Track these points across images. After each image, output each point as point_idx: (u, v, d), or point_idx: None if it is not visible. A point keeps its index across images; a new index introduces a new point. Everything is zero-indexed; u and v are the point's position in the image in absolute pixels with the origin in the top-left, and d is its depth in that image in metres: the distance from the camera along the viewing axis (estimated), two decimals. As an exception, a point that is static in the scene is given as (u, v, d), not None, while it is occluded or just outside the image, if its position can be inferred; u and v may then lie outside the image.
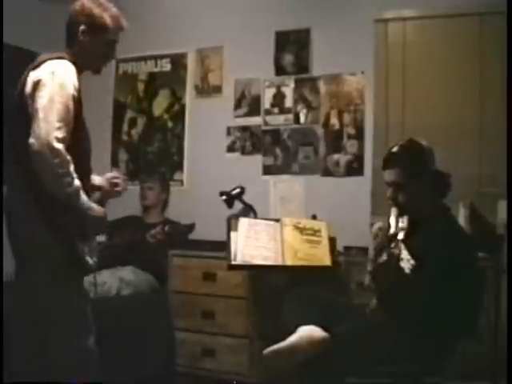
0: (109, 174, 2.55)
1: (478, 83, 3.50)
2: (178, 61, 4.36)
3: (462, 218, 3.09)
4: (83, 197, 2.20)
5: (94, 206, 2.27)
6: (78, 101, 2.20)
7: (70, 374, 2.20)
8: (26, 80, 2.20)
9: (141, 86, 4.50)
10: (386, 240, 2.52)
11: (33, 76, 2.19)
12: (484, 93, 3.48)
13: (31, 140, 2.08)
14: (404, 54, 3.69)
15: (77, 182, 2.16)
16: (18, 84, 2.25)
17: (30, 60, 2.28)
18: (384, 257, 2.46)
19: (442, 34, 3.63)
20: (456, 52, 3.58)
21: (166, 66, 4.41)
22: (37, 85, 2.15)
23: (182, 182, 4.30)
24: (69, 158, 2.12)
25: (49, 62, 2.21)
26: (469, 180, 3.42)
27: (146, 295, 3.47)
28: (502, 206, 3.05)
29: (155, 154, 4.42)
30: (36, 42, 4.20)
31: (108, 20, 2.31)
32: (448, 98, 3.57)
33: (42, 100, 2.12)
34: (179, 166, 4.32)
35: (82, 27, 2.28)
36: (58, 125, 2.09)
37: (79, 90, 2.22)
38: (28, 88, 2.18)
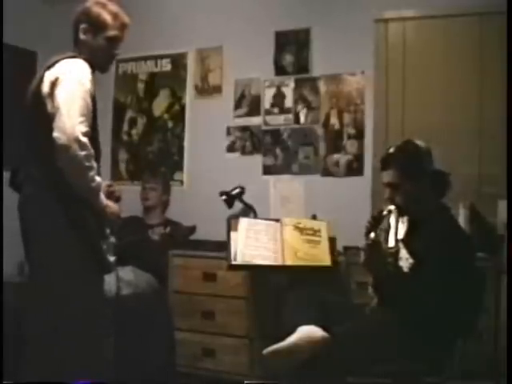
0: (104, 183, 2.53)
1: (477, 83, 3.50)
2: (178, 61, 4.36)
3: (462, 218, 3.09)
4: (101, 193, 2.22)
5: (110, 203, 2.30)
6: (93, 98, 2.24)
7: (86, 374, 2.20)
8: (41, 80, 2.23)
9: (141, 86, 4.50)
10: (386, 240, 2.52)
11: (49, 75, 2.22)
12: (484, 93, 3.48)
13: (56, 134, 2.10)
14: (404, 53, 3.69)
15: (99, 178, 2.19)
16: (29, 86, 2.28)
17: (30, 60, 2.29)
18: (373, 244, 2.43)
19: (442, 34, 3.63)
20: (456, 52, 3.58)
21: (166, 66, 4.41)
22: (55, 83, 2.18)
23: (181, 182, 4.30)
24: (93, 151, 2.15)
25: (64, 61, 2.25)
26: (469, 180, 3.42)
27: (146, 295, 3.47)
28: (502, 206, 3.05)
29: (155, 154, 4.42)
30: (36, 42, 4.21)
31: (107, 17, 2.34)
32: (448, 98, 3.57)
33: (63, 96, 2.14)
34: (179, 166, 4.32)
35: (83, 26, 2.33)
36: (80, 119, 2.13)
37: (94, 88, 2.25)
38: (45, 87, 2.20)
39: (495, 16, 3.40)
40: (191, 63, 4.32)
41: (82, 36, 2.33)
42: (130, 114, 4.52)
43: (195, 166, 4.27)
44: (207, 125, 4.22)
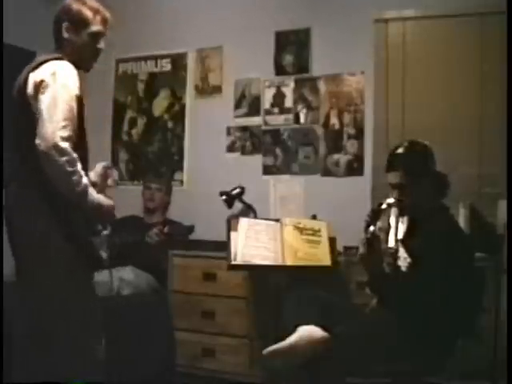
0: (98, 167, 2.50)
1: (478, 83, 3.50)
2: (178, 61, 4.36)
3: (461, 218, 3.09)
4: (92, 193, 2.22)
5: (102, 198, 2.29)
6: (80, 100, 2.23)
7: (76, 374, 2.20)
8: (26, 81, 2.22)
9: (141, 86, 4.50)
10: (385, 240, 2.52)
11: (34, 77, 2.21)
12: (484, 93, 3.48)
13: (37, 141, 2.10)
14: (404, 53, 3.69)
15: (85, 180, 2.18)
16: (14, 85, 2.27)
17: (30, 60, 2.29)
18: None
19: (442, 34, 3.63)
20: (456, 52, 3.58)
21: (166, 66, 4.41)
22: (39, 85, 2.17)
23: (181, 182, 4.30)
24: (75, 156, 2.14)
25: (49, 63, 2.23)
26: (469, 180, 3.42)
27: (146, 295, 3.47)
28: (502, 205, 3.05)
29: (155, 153, 4.42)
30: (36, 42, 4.21)
31: (88, 13, 2.33)
32: (448, 98, 3.57)
33: (46, 100, 2.14)
34: (179, 166, 4.32)
35: (65, 24, 2.32)
36: (62, 124, 2.12)
37: (80, 90, 2.24)
38: (30, 89, 2.20)
39: (495, 16, 3.40)
40: (191, 63, 4.32)
41: (65, 34, 2.32)
42: (130, 114, 4.52)
43: (195, 165, 4.27)
44: (207, 125, 4.22)
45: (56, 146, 2.09)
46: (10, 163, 2.30)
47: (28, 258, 2.25)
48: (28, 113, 2.19)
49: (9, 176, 2.30)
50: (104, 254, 2.30)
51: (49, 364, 2.21)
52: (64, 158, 2.10)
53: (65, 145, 2.10)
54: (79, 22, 2.33)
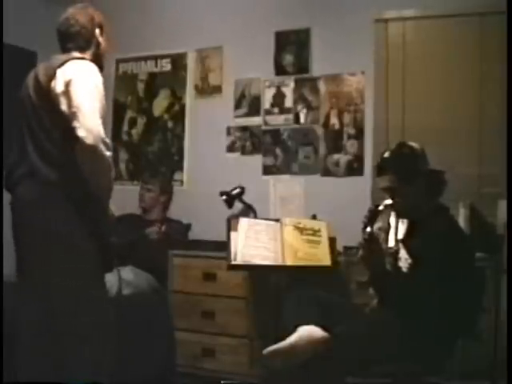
0: None
1: (477, 83, 3.50)
2: (178, 61, 4.36)
3: (461, 218, 3.09)
4: None
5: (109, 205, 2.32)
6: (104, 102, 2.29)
7: (87, 375, 2.20)
8: (53, 77, 2.21)
9: (141, 86, 4.50)
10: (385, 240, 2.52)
11: (63, 74, 2.21)
12: (484, 93, 3.48)
13: (82, 134, 2.10)
14: (404, 53, 3.69)
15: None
16: (35, 82, 2.27)
17: (30, 60, 2.30)
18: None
19: (442, 34, 3.63)
20: (456, 52, 3.58)
21: (166, 66, 4.41)
22: (70, 83, 2.18)
23: (181, 182, 4.30)
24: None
25: (76, 62, 2.27)
26: (469, 180, 3.42)
27: (146, 295, 3.46)
28: (502, 206, 3.05)
29: (155, 153, 4.42)
30: (36, 42, 4.21)
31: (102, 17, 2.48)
32: (448, 98, 3.57)
33: (84, 96, 2.17)
34: (179, 166, 4.32)
35: (98, 29, 2.43)
36: (100, 121, 2.18)
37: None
38: (59, 85, 2.20)
39: (495, 16, 3.40)
40: (191, 63, 4.32)
41: (100, 38, 2.43)
42: (129, 114, 4.52)
43: (195, 165, 4.27)
44: (207, 125, 4.22)
45: (104, 140, 2.13)
46: (23, 163, 2.27)
47: (45, 256, 2.21)
48: (55, 110, 2.19)
49: (19, 177, 2.26)
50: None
51: (59, 364, 2.21)
52: (109, 153, 2.15)
53: (108, 140, 2.16)
54: (103, 27, 2.46)
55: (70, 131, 2.12)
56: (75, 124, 2.12)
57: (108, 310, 2.31)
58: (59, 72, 2.22)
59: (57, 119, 2.18)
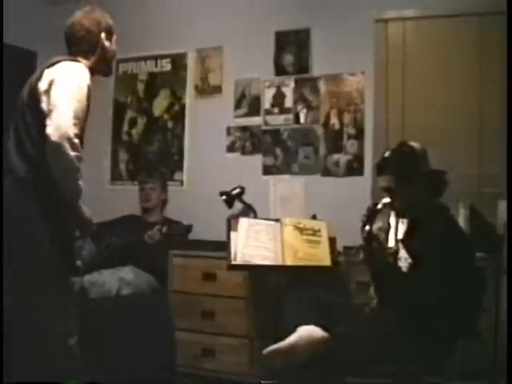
0: None
1: (477, 83, 3.50)
2: (178, 61, 4.36)
3: (461, 218, 3.09)
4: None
5: (85, 207, 2.30)
6: (88, 104, 2.27)
7: (52, 372, 2.19)
8: (40, 76, 2.25)
9: (141, 86, 4.50)
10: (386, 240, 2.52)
11: (49, 73, 2.24)
12: (484, 93, 3.48)
13: (49, 131, 2.11)
14: (404, 53, 3.69)
15: (81, 183, 2.20)
16: (28, 81, 2.30)
17: (30, 60, 2.31)
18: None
19: (442, 34, 3.63)
20: (456, 52, 3.58)
21: (166, 66, 4.41)
22: (54, 81, 2.20)
23: (181, 182, 4.30)
24: (81, 155, 2.17)
25: (66, 63, 2.29)
26: (469, 180, 3.42)
27: (146, 295, 3.47)
28: (502, 206, 3.05)
29: (155, 153, 4.42)
30: (36, 42, 4.22)
31: (112, 22, 2.50)
32: (448, 98, 3.57)
33: (61, 95, 2.17)
34: (179, 166, 4.32)
35: (103, 34, 2.43)
36: (74, 121, 2.15)
37: (90, 94, 2.28)
38: (43, 84, 2.22)
39: (495, 16, 3.40)
40: (191, 63, 4.32)
41: (106, 43, 2.44)
42: (130, 114, 4.52)
43: (195, 165, 4.27)
44: (207, 125, 4.22)
45: (69, 139, 2.11)
46: (8, 159, 2.29)
47: (18, 255, 2.23)
48: (37, 109, 2.21)
49: (6, 173, 2.29)
50: (79, 262, 2.32)
51: (28, 362, 2.21)
52: (74, 153, 2.12)
53: (76, 140, 2.13)
54: (111, 31, 2.48)
55: (45, 129, 2.14)
56: (47, 121, 2.14)
57: (72, 314, 2.27)
58: (46, 72, 2.25)
59: (36, 117, 2.20)
